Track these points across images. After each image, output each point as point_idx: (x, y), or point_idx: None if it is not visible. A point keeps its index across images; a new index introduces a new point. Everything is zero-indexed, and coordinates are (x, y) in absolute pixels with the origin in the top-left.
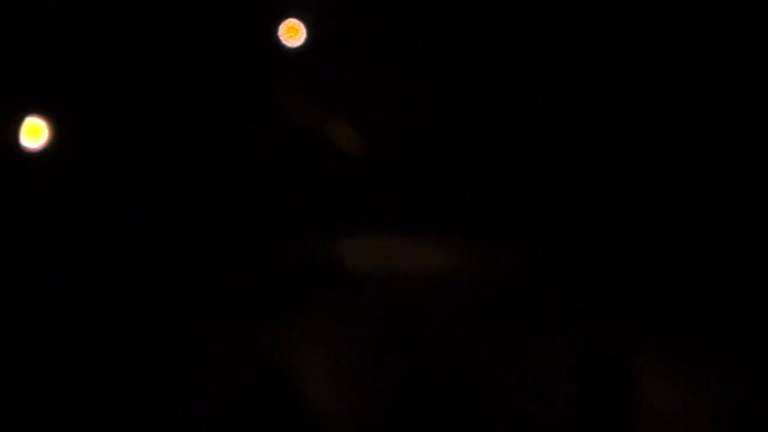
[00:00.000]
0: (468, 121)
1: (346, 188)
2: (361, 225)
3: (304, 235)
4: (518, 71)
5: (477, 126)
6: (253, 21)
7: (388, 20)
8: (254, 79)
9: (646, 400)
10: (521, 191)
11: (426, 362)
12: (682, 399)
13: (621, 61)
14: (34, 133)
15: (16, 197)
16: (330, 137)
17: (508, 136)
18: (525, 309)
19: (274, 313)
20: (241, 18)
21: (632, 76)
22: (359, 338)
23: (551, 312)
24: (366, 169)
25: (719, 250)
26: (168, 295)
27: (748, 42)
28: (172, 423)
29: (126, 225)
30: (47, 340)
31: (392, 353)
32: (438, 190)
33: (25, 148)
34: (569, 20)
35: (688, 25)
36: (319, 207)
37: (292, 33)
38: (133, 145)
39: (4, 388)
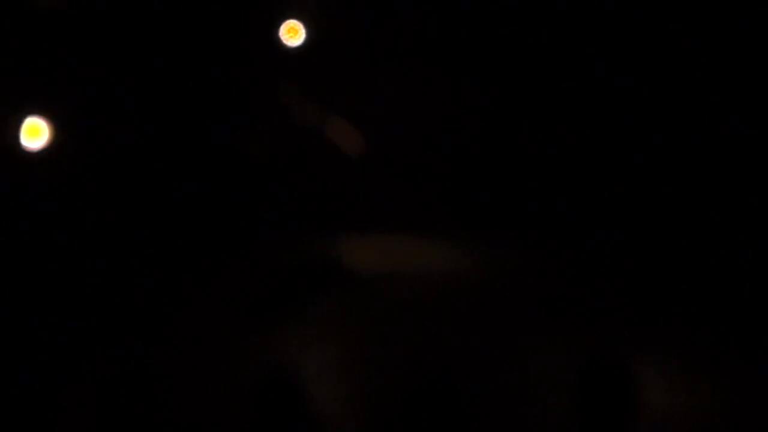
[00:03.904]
0: (468, 121)
1: (346, 188)
2: (362, 225)
3: (305, 235)
4: (518, 72)
5: (477, 126)
6: (254, 21)
7: (388, 21)
8: (254, 79)
9: (646, 400)
10: (522, 191)
11: (427, 361)
12: (682, 399)
13: (621, 61)
14: (34, 133)
15: (16, 197)
16: (330, 137)
17: (509, 137)
18: (525, 309)
19: (275, 312)
20: (242, 18)
21: (632, 77)
22: (360, 337)
23: (551, 312)
24: (366, 169)
25: (719, 251)
26: (168, 296)
27: (748, 42)
28: (175, 423)
29: (126, 225)
30: (47, 340)
31: (393, 352)
32: (438, 190)
33: (25, 148)
34: (569, 20)
35: (688, 25)
36: (319, 207)
37: (292, 33)
38: (133, 145)
39: (5, 388)
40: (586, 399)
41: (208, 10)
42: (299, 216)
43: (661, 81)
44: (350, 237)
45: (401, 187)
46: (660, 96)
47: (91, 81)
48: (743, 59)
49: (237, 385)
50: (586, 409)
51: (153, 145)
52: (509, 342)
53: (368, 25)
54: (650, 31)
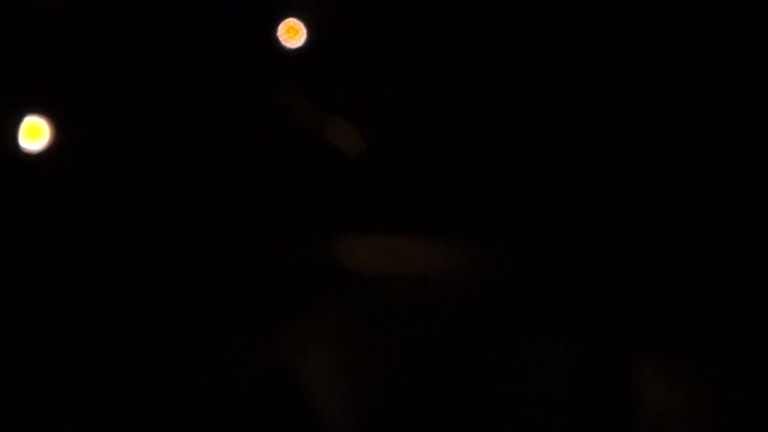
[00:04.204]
0: (468, 120)
1: (346, 188)
2: (361, 225)
3: (304, 235)
4: (518, 71)
5: (477, 126)
6: (253, 21)
7: (388, 20)
8: (254, 79)
9: (646, 400)
10: (521, 191)
11: (427, 362)
12: (682, 399)
13: (621, 61)
14: (34, 133)
15: (16, 198)
16: (330, 137)
17: (509, 136)
18: (525, 309)
19: (275, 313)
20: (241, 18)
21: (632, 77)
22: (360, 338)
23: (551, 312)
24: (366, 169)
25: (719, 250)
26: (168, 296)
27: (748, 42)
28: (175, 423)
29: (126, 226)
30: (48, 341)
31: (393, 353)
32: (438, 190)
33: (25, 148)
34: (570, 20)
35: (688, 25)
36: (319, 207)
37: (292, 33)
38: (133, 146)
39: (5, 389)
40: (585, 399)
41: (207, 10)
42: (299, 216)
43: (661, 81)
44: (350, 237)
45: (401, 187)
46: (660, 96)
47: (91, 81)
48: (743, 59)
49: (236, 385)
50: (586, 409)
51: (153, 146)
52: (509, 342)
53: (368, 25)
54: (650, 31)
